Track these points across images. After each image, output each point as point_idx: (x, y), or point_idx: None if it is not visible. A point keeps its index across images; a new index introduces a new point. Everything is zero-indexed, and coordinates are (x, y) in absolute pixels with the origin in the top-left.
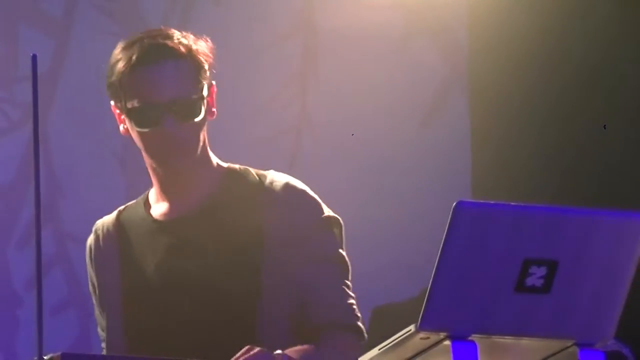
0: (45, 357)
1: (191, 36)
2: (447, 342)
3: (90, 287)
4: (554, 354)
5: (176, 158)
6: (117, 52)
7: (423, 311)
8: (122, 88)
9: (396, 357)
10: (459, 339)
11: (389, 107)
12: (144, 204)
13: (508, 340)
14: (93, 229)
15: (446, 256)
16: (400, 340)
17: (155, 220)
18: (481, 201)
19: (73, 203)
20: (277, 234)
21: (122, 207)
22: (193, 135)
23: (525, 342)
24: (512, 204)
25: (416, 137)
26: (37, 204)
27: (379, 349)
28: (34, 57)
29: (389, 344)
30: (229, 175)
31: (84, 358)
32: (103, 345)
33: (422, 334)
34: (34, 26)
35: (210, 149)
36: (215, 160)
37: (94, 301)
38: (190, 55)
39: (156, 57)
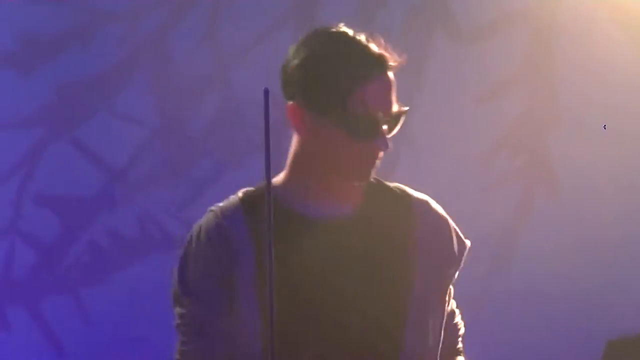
0: None
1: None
2: None
3: (206, 284)
4: None
5: (367, 171)
6: (326, 58)
7: None
8: (339, 97)
9: None
10: None
11: None
12: (274, 196)
13: None
14: (210, 216)
15: None
16: None
17: (303, 217)
18: None
19: None
20: (426, 256)
21: (241, 194)
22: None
23: None
24: None
25: None
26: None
27: None
28: (266, 92)
29: None
30: (369, 185)
31: None
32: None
33: None
34: None
35: None
36: None
37: (205, 301)
38: (395, 67)
39: (381, 69)
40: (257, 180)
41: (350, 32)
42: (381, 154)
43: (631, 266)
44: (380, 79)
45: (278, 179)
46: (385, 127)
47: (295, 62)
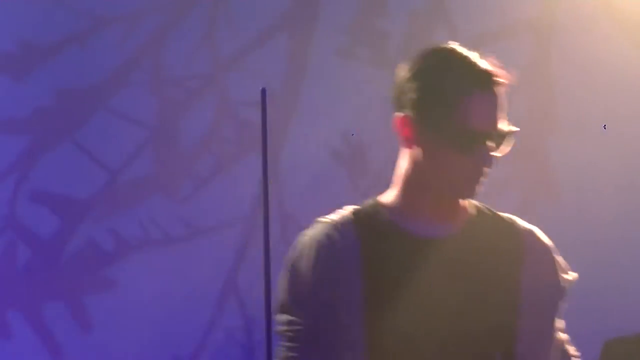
0: None
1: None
2: None
3: (315, 297)
4: None
5: (472, 188)
6: (434, 71)
7: None
8: (447, 111)
9: None
10: None
11: None
12: (385, 213)
13: None
14: (321, 227)
15: None
16: None
17: (415, 237)
18: None
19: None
20: (531, 286)
21: (352, 208)
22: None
23: None
24: None
25: None
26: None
27: None
28: (263, 91)
29: None
30: (478, 211)
31: None
32: None
33: None
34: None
35: None
36: None
37: (312, 314)
38: (504, 85)
39: (488, 84)
40: (256, 179)
41: (461, 49)
42: (486, 170)
43: (631, 266)
44: (485, 95)
45: (389, 195)
46: (490, 143)
47: (407, 75)
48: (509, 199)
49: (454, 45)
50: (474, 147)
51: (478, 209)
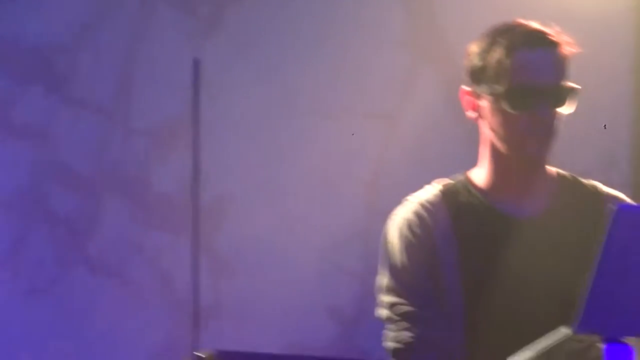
0: (200, 354)
1: (554, 27)
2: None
3: (415, 276)
4: None
5: (536, 144)
6: (487, 39)
7: (579, 314)
8: (497, 71)
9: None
10: (614, 342)
11: None
12: (474, 192)
13: None
14: (411, 207)
15: (605, 260)
16: (555, 343)
17: (502, 215)
18: None
19: None
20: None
21: (440, 185)
22: (556, 125)
23: None
24: None
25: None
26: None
27: (532, 351)
28: (196, 62)
29: (543, 346)
30: (563, 182)
31: (239, 356)
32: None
33: (576, 337)
34: None
35: None
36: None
37: (416, 292)
38: (561, 46)
39: (537, 42)
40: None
41: (522, 21)
42: (551, 128)
43: None
44: (535, 52)
45: (478, 172)
46: (547, 99)
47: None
48: None
49: (519, 20)
50: (527, 102)
51: (562, 179)
